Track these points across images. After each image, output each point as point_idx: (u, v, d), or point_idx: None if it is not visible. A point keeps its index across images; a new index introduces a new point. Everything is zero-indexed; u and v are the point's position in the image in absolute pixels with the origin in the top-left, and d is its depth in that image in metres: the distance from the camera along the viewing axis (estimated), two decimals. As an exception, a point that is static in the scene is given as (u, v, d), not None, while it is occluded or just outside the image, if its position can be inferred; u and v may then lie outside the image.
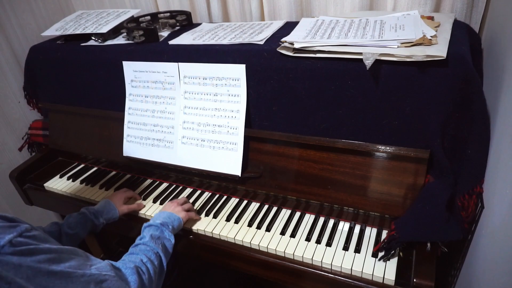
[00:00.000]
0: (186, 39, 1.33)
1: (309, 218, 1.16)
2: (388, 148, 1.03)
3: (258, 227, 1.15)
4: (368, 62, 0.94)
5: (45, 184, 1.50)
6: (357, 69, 0.99)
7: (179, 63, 1.24)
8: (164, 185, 1.40)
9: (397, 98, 0.99)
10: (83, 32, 1.48)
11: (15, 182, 1.53)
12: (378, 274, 0.95)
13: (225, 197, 1.29)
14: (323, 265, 1.01)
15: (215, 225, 1.18)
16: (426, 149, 0.99)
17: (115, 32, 1.50)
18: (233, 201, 1.27)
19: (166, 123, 1.31)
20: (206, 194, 1.33)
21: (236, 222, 1.18)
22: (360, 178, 1.07)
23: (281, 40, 1.10)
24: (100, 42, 1.46)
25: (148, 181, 1.43)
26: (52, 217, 1.92)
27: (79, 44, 1.48)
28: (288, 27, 1.27)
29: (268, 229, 1.13)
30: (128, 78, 1.36)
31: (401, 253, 0.98)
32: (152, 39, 1.36)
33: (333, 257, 1.02)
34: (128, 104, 1.37)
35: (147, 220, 1.18)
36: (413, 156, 1.00)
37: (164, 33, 1.45)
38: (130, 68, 1.34)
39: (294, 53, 1.06)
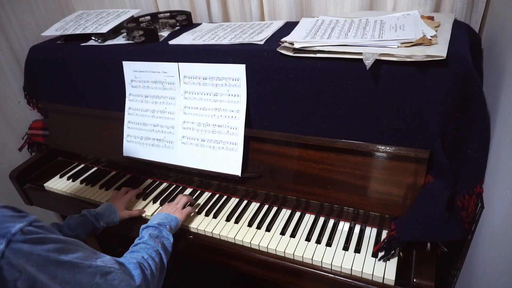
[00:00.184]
0: (186, 39, 1.33)
1: (309, 218, 1.16)
2: (388, 148, 1.03)
3: (258, 227, 1.15)
4: (368, 62, 0.94)
5: (45, 184, 1.50)
6: (357, 69, 0.99)
7: (179, 63, 1.24)
8: (164, 185, 1.40)
9: (397, 98, 0.99)
10: (83, 32, 1.48)
11: (15, 182, 1.53)
12: (378, 274, 0.95)
13: (225, 197, 1.30)
14: (323, 265, 1.01)
15: (215, 225, 1.18)
16: (426, 149, 0.99)
17: (115, 32, 1.50)
18: (233, 201, 1.27)
19: (166, 123, 1.31)
20: (206, 194, 1.33)
21: (236, 222, 1.18)
22: (360, 178, 1.07)
23: (281, 40, 1.10)
24: (100, 42, 1.46)
25: (148, 181, 1.43)
26: (52, 217, 1.92)
27: (79, 44, 1.48)
28: (288, 27, 1.27)
29: (268, 229, 1.13)
30: (128, 78, 1.36)
31: (401, 253, 0.98)
32: (152, 39, 1.36)
33: (333, 257, 1.02)
34: (128, 104, 1.37)
35: (147, 220, 1.19)
36: (413, 156, 1.00)
37: (164, 33, 1.45)
38: (130, 68, 1.34)
39: (294, 53, 1.06)
